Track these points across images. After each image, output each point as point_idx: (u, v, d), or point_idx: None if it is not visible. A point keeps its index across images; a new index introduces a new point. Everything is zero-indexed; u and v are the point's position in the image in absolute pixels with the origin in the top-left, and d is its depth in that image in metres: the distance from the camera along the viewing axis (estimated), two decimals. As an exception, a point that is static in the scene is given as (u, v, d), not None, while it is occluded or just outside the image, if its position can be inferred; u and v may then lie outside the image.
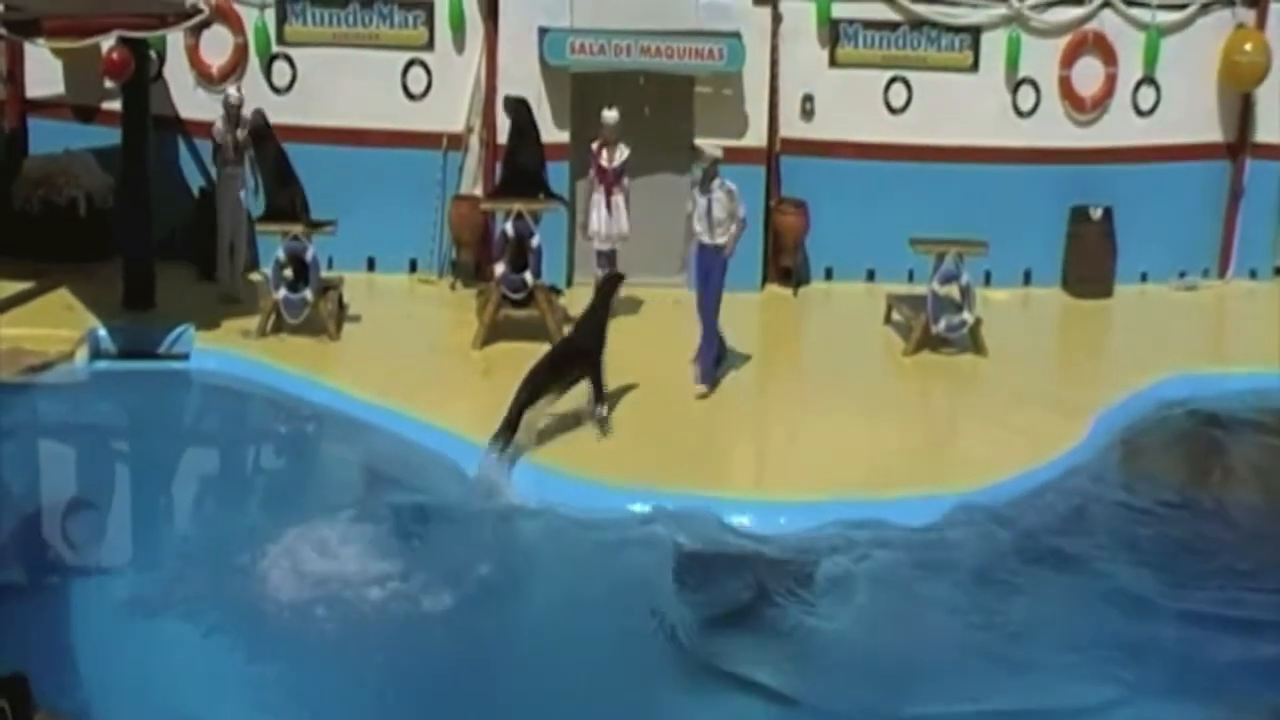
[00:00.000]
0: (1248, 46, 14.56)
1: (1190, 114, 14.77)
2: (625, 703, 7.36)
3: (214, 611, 8.02)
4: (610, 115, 12.73)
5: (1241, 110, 14.94)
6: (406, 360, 11.97)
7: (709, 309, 11.30)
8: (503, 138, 13.27)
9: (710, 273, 11.25)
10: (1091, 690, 7.66)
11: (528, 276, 12.16)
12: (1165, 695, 7.62)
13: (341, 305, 12.74)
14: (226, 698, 7.31)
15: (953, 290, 12.50)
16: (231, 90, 12.93)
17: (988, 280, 13.94)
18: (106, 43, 11.44)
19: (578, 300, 13.47)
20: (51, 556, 8.91)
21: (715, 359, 11.43)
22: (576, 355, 10.45)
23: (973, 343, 12.52)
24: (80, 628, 7.84)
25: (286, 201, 12.56)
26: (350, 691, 7.46)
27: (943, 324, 12.42)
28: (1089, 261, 14.53)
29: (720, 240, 11.18)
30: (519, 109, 12.90)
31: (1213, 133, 14.95)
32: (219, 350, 11.89)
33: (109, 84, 12.67)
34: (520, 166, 12.77)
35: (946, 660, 7.94)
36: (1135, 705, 7.55)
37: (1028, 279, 14.69)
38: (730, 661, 7.81)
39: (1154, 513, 9.86)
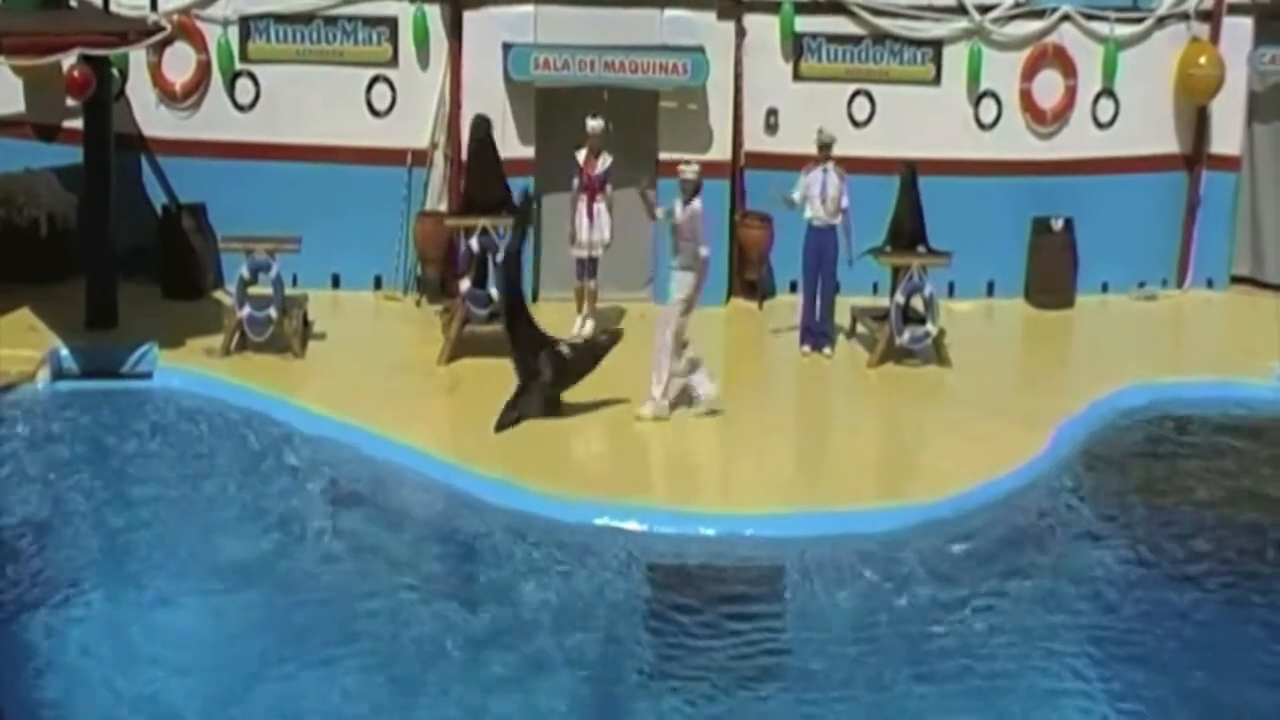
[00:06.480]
0: (1202, 60, 14.74)
1: (1148, 126, 14.94)
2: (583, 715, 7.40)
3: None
4: (595, 124, 12.77)
5: (1197, 122, 15.10)
6: (372, 377, 11.94)
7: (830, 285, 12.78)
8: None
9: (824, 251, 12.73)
10: (1052, 699, 7.73)
11: (493, 292, 12.17)
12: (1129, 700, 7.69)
13: (306, 322, 12.71)
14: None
15: (917, 302, 12.60)
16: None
17: (951, 291, 14.06)
18: (68, 60, 11.39)
19: (543, 314, 13.50)
20: (11, 575, 8.83)
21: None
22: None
23: (936, 354, 12.61)
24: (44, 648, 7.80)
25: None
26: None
27: (906, 336, 12.51)
28: (1050, 272, 14.68)
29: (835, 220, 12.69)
30: (481, 126, 12.88)
31: (1169, 144, 15.12)
32: (182, 369, 11.83)
33: (71, 102, 12.61)
34: (485, 184, 12.73)
35: (908, 668, 7.97)
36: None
37: (991, 290, 14.84)
38: (693, 672, 7.82)
39: (1114, 521, 9.95)
